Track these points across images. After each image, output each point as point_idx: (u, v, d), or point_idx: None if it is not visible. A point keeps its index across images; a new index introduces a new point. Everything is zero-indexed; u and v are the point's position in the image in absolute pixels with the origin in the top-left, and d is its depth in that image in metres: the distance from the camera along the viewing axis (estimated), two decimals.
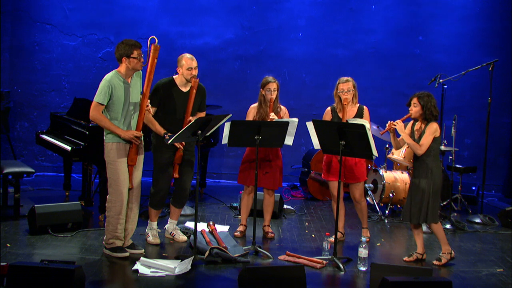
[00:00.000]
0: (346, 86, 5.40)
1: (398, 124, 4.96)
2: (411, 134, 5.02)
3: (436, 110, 4.93)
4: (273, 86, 5.44)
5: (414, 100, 4.95)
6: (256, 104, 5.56)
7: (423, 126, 4.96)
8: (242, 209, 5.77)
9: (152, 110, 5.04)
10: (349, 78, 5.44)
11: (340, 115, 5.45)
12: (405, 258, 5.14)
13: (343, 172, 5.40)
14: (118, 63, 4.71)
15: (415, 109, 4.94)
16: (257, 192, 5.39)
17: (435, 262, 5.03)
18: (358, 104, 5.50)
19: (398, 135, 5.09)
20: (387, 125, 5.03)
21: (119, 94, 4.65)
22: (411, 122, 5.10)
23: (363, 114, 5.47)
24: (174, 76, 5.19)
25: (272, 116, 5.35)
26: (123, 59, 4.65)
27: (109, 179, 4.77)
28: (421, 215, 4.93)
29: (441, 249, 5.12)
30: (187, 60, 5.07)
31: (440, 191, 5.04)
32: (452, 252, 5.08)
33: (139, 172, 4.91)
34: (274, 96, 5.43)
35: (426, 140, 4.89)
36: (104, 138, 4.76)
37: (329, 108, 5.59)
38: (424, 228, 6.05)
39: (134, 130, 4.75)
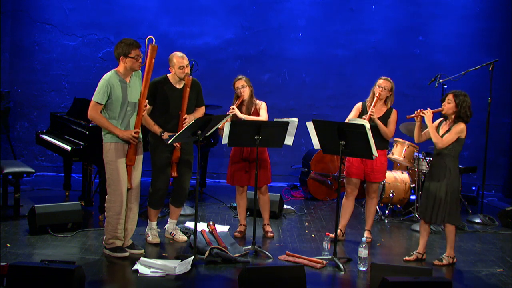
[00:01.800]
0: (384, 83, 5.51)
1: (428, 113, 4.91)
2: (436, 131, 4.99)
3: (470, 111, 4.90)
4: (241, 82, 5.47)
5: (449, 97, 4.91)
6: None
7: (450, 125, 4.93)
8: (238, 209, 5.78)
9: (148, 108, 5.05)
10: (390, 79, 5.56)
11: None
12: (405, 258, 5.14)
13: (363, 171, 5.54)
14: (118, 63, 4.71)
15: (448, 105, 4.90)
16: (256, 192, 5.39)
17: (436, 262, 5.02)
18: (389, 107, 5.57)
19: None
20: (415, 112, 5.01)
21: (117, 93, 4.65)
22: (439, 120, 5.08)
23: (390, 116, 5.54)
24: (168, 74, 5.19)
25: (233, 109, 5.36)
26: (121, 58, 4.66)
27: (108, 179, 4.77)
28: (448, 215, 4.90)
29: (443, 251, 5.12)
30: (178, 59, 5.07)
31: (458, 192, 5.02)
32: (455, 258, 5.07)
33: (138, 172, 4.91)
34: (245, 94, 5.46)
35: (450, 137, 4.86)
36: (103, 138, 4.76)
37: (360, 103, 5.64)
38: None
39: (132, 130, 4.75)
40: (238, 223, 5.88)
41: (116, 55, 4.67)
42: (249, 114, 5.49)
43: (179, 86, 5.15)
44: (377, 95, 5.47)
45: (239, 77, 5.52)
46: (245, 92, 5.46)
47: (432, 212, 4.94)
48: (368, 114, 5.35)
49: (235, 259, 4.84)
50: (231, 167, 5.61)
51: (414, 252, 5.14)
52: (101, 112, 4.66)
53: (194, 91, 5.19)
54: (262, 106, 5.56)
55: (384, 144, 5.54)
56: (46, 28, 8.37)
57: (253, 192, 5.64)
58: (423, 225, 5.10)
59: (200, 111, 5.29)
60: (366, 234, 5.65)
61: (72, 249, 5.04)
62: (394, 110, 5.58)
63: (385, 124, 5.51)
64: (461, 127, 4.88)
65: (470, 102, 4.90)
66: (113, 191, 4.75)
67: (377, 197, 5.79)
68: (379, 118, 5.47)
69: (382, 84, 5.50)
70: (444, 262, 5.01)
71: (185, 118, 5.05)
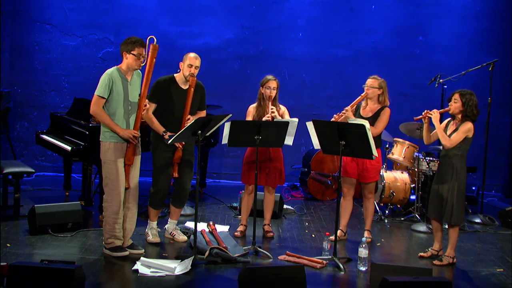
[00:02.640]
0: (370, 81, 5.49)
1: (434, 113, 4.93)
2: (444, 132, 4.99)
3: (477, 110, 4.89)
4: (273, 84, 5.47)
5: (456, 96, 4.91)
6: (255, 104, 5.58)
7: (457, 124, 4.93)
8: (242, 209, 5.77)
9: (152, 106, 5.05)
10: (378, 77, 5.51)
11: (361, 110, 5.55)
12: (420, 254, 5.19)
13: (357, 171, 5.52)
14: (121, 59, 4.73)
15: (455, 104, 4.91)
16: (257, 192, 5.39)
17: (436, 262, 5.03)
18: (382, 106, 5.53)
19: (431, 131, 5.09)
20: (423, 113, 5.02)
21: (119, 89, 4.65)
22: (447, 120, 5.08)
23: (380, 114, 5.48)
24: (174, 74, 5.20)
25: (272, 108, 5.34)
26: (124, 53, 4.68)
27: (105, 179, 4.76)
28: (451, 215, 4.91)
29: (444, 251, 5.13)
30: (191, 58, 5.11)
31: (464, 192, 5.02)
32: (455, 258, 5.07)
33: (136, 172, 4.90)
34: (273, 94, 5.46)
35: (458, 136, 4.87)
36: (101, 136, 4.75)
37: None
38: (424, 228, 6.07)
39: (132, 129, 4.75)
40: (238, 223, 5.88)
41: (121, 50, 4.71)
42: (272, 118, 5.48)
43: (184, 87, 5.15)
44: (363, 93, 5.48)
45: (273, 77, 5.50)
46: (273, 93, 5.46)
47: (444, 212, 4.94)
48: (342, 111, 5.38)
49: (235, 259, 4.84)
50: (246, 166, 5.61)
51: (430, 249, 5.18)
52: (102, 108, 4.66)
53: (198, 93, 5.20)
54: (286, 112, 5.59)
55: (377, 143, 5.47)
56: (46, 28, 8.37)
57: (259, 193, 5.68)
58: (434, 224, 5.13)
59: (201, 115, 5.28)
60: (366, 234, 5.65)
61: (72, 249, 5.04)
62: (386, 109, 5.51)
63: (375, 122, 5.47)
64: (468, 126, 4.88)
65: (476, 100, 4.90)
66: (110, 191, 4.74)
67: (374, 197, 5.75)
68: (370, 117, 5.44)
69: (368, 83, 5.49)
70: (444, 262, 5.01)
71: (188, 119, 5.05)
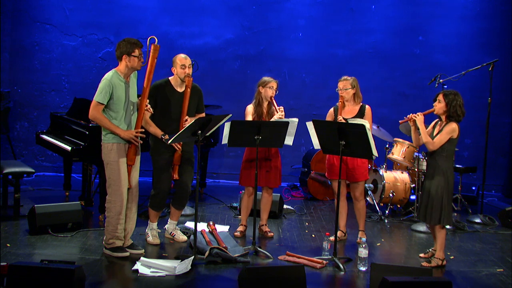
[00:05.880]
0: (341, 84, 5.48)
1: (419, 116, 4.89)
2: (431, 135, 4.94)
3: (462, 110, 4.82)
4: (276, 85, 5.53)
5: (439, 97, 4.87)
6: (253, 104, 5.58)
7: (442, 125, 4.90)
8: (242, 209, 5.77)
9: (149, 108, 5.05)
10: (347, 77, 5.50)
11: (339, 113, 5.50)
12: (421, 255, 5.19)
13: (345, 172, 5.46)
14: (118, 62, 4.71)
15: (439, 105, 4.86)
16: (256, 192, 5.39)
17: (424, 263, 4.98)
18: (361, 104, 5.52)
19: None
20: (405, 117, 5.01)
21: (119, 93, 4.65)
22: (434, 122, 5.04)
23: (365, 113, 5.47)
24: (169, 78, 5.20)
25: (280, 107, 5.37)
26: (124, 56, 4.65)
27: (108, 180, 4.76)
28: (439, 216, 4.85)
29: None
30: (181, 59, 5.11)
31: (452, 193, 4.98)
32: (445, 261, 5.01)
33: (137, 172, 4.91)
34: (274, 95, 5.49)
35: (441, 138, 4.82)
36: (103, 138, 4.75)
37: (332, 108, 5.63)
38: (424, 228, 6.07)
39: (133, 129, 4.75)
40: (238, 223, 5.88)
41: (119, 53, 4.67)
42: (270, 117, 5.49)
43: (180, 89, 5.15)
44: (340, 100, 5.47)
45: (273, 79, 5.53)
46: (274, 94, 5.50)
47: (426, 213, 4.93)
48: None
49: (235, 259, 4.84)
50: (245, 167, 5.61)
51: (430, 250, 5.19)
52: (102, 111, 4.65)
53: (195, 96, 5.20)
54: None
55: None
56: (46, 28, 8.37)
57: (258, 192, 5.67)
58: (430, 227, 5.13)
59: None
60: (360, 234, 5.62)
61: (72, 249, 5.04)
62: (367, 106, 5.52)
63: None
64: (452, 127, 4.82)
65: (461, 101, 4.83)
66: (113, 191, 4.74)
67: (364, 198, 5.66)
68: (352, 118, 5.40)
69: (340, 86, 5.48)
70: (433, 263, 4.95)
71: (186, 120, 5.05)
